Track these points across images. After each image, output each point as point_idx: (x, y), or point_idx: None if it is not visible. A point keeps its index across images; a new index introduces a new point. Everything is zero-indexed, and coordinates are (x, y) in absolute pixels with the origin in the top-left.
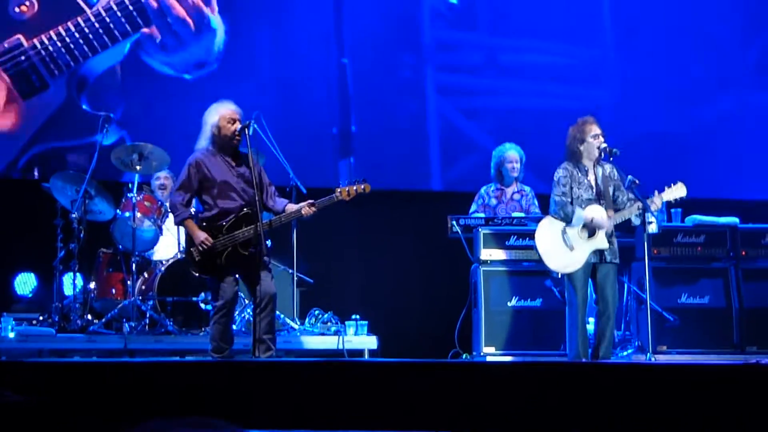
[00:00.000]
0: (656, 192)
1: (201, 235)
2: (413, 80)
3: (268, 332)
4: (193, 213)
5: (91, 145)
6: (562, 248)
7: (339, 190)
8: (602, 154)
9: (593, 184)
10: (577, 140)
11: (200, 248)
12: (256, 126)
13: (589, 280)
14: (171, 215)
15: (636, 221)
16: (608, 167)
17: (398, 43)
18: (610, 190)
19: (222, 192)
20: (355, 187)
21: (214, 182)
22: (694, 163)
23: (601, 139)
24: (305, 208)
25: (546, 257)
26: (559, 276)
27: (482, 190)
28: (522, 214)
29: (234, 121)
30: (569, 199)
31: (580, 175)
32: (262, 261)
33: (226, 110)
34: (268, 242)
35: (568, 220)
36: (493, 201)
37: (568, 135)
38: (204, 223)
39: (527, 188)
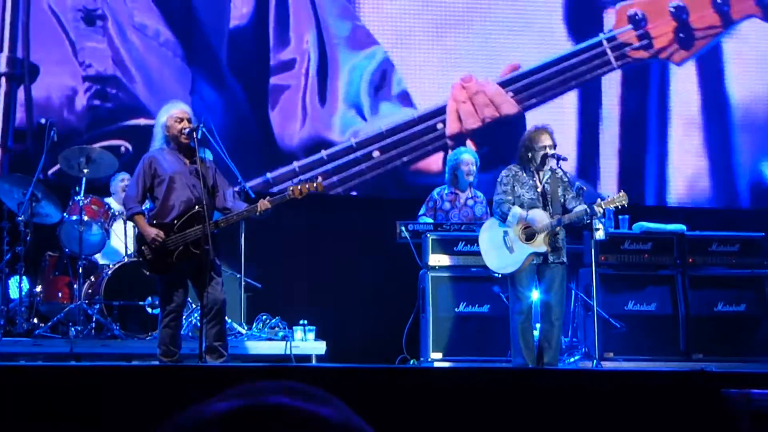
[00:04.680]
0: (599, 200)
1: (152, 231)
2: None
3: (218, 339)
4: (144, 211)
5: None
6: (502, 249)
7: (291, 188)
8: (547, 161)
9: (538, 185)
10: (526, 148)
11: (152, 245)
12: (204, 129)
13: (536, 284)
14: (119, 219)
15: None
16: (560, 172)
17: None
18: (559, 191)
19: (171, 185)
20: (307, 186)
21: (164, 176)
22: (642, 170)
23: (549, 151)
24: (261, 202)
25: (486, 257)
26: (499, 276)
27: (435, 193)
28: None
29: (181, 120)
30: (510, 199)
31: (525, 176)
32: (213, 263)
33: (174, 110)
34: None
35: (504, 218)
36: (447, 205)
37: (520, 142)
38: (154, 221)
39: (480, 194)
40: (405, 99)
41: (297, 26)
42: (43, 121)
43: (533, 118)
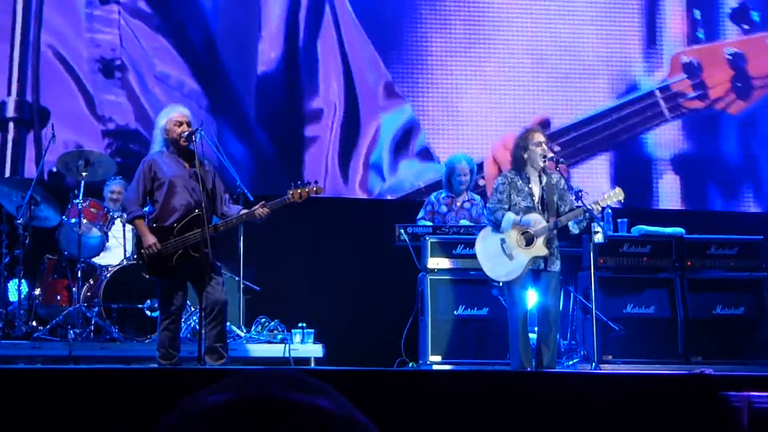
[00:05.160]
0: (595, 199)
1: (150, 239)
2: None
3: (218, 341)
4: (144, 213)
5: None
6: (501, 257)
7: (291, 192)
8: (546, 163)
9: (534, 192)
10: (520, 148)
11: (148, 251)
12: (203, 133)
13: (533, 288)
14: (117, 222)
15: (574, 230)
16: (555, 176)
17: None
18: (555, 197)
19: (171, 189)
20: (307, 189)
21: (164, 179)
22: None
23: (545, 147)
24: (259, 209)
25: (485, 266)
26: (500, 285)
27: (432, 197)
28: (466, 223)
29: (181, 123)
30: (505, 206)
31: (521, 183)
32: (213, 265)
33: (174, 113)
34: None
35: (498, 225)
36: (444, 208)
37: (513, 144)
38: (154, 224)
39: (477, 197)
40: (426, 155)
41: (326, 74)
42: (54, 169)
43: (578, 174)
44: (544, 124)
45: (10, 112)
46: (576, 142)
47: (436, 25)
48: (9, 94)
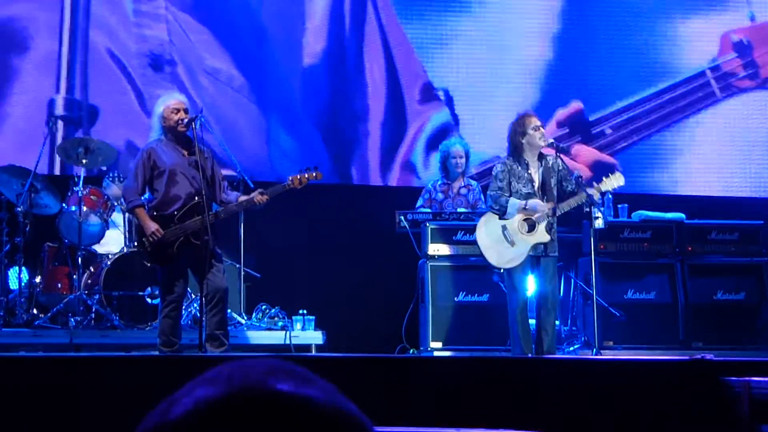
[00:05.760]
0: (594, 183)
1: (152, 226)
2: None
3: (219, 328)
4: (143, 202)
5: None
6: (503, 244)
7: (291, 178)
8: (546, 147)
9: (534, 178)
10: (518, 134)
11: (151, 239)
12: (203, 120)
13: (532, 274)
14: (117, 210)
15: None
16: (551, 159)
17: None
18: (553, 181)
19: (171, 177)
20: (306, 175)
21: (164, 168)
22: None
23: (542, 131)
24: (257, 196)
25: (487, 253)
26: (502, 271)
27: (429, 185)
28: (464, 210)
29: (178, 110)
30: (506, 194)
31: (519, 169)
32: (213, 252)
33: (171, 100)
34: None
35: (503, 211)
36: (440, 195)
37: (509, 130)
38: (155, 213)
39: (474, 182)
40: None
41: (371, 69)
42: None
43: (627, 157)
44: (579, 113)
45: (59, 110)
46: (626, 126)
47: (476, 21)
48: (58, 91)
